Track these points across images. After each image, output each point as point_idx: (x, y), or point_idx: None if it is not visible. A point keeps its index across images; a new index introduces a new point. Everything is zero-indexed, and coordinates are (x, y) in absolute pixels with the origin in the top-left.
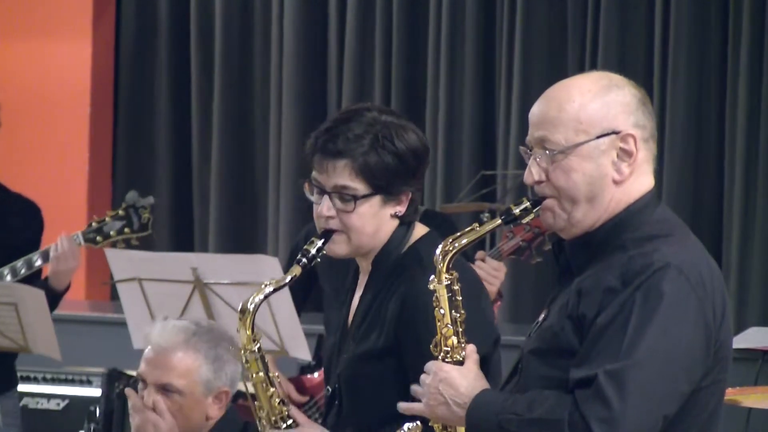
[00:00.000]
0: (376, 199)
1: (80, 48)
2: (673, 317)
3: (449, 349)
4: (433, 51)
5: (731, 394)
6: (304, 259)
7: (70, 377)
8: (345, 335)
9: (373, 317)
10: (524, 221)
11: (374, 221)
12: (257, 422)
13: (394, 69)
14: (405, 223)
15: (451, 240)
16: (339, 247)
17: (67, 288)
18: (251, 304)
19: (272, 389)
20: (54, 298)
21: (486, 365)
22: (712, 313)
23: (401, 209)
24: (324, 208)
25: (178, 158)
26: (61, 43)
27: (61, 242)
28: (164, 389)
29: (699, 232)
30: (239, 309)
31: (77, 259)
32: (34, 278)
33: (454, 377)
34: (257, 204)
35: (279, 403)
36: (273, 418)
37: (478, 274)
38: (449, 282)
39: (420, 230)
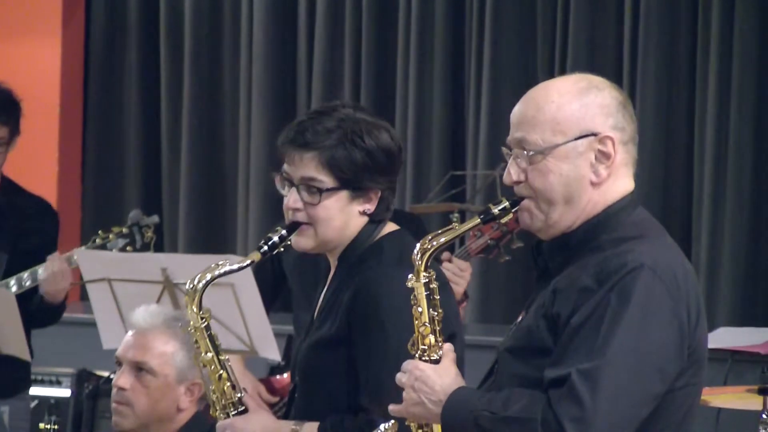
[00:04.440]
0: (343, 194)
1: (50, 48)
2: (646, 317)
3: (426, 347)
4: (402, 51)
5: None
6: (266, 247)
7: (39, 378)
8: (310, 330)
9: (330, 308)
10: (503, 221)
11: (341, 216)
12: (211, 408)
13: (364, 69)
14: (375, 221)
15: (429, 238)
16: (305, 241)
17: (64, 301)
18: (200, 282)
19: (222, 372)
20: (52, 311)
21: None
22: (686, 314)
23: (370, 207)
24: (291, 200)
25: (148, 158)
26: (30, 42)
27: (52, 263)
28: (138, 368)
29: (669, 233)
30: (187, 286)
31: (68, 280)
32: (34, 290)
33: (430, 375)
34: (227, 204)
35: (229, 387)
36: (223, 403)
37: (442, 270)
38: (427, 280)
39: (389, 228)
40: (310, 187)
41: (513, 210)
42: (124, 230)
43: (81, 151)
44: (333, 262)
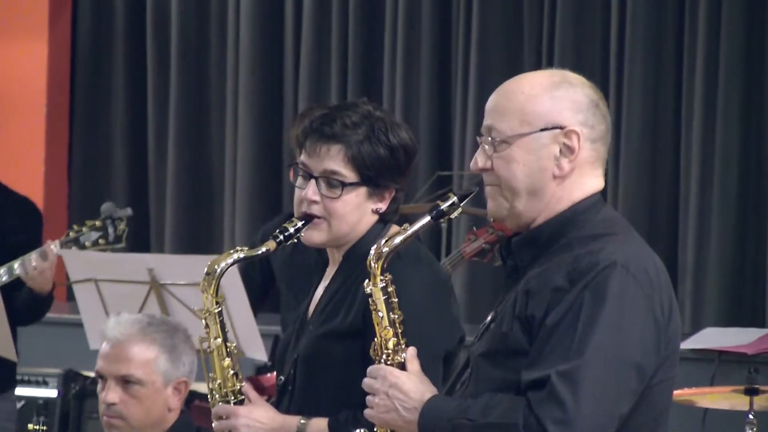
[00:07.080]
0: (362, 190)
1: (36, 49)
2: (621, 315)
3: (390, 351)
4: (389, 52)
5: (687, 394)
6: (281, 236)
7: (26, 378)
8: (304, 325)
9: (340, 300)
10: (452, 216)
11: (356, 212)
12: (209, 396)
13: (350, 70)
14: (383, 221)
15: (383, 243)
16: (317, 234)
17: (53, 289)
18: (218, 266)
19: (228, 359)
20: (38, 304)
21: (451, 362)
22: (660, 310)
23: (383, 206)
24: (310, 191)
25: (134, 159)
26: (17, 43)
27: (40, 254)
28: (124, 381)
29: (655, 234)
30: (205, 271)
31: (52, 269)
32: (18, 284)
33: (405, 382)
34: (213, 205)
35: (232, 375)
36: (224, 391)
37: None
38: (384, 284)
39: (395, 229)
40: (331, 180)
41: (461, 204)
42: (98, 223)
43: (67, 151)
44: (337, 258)
